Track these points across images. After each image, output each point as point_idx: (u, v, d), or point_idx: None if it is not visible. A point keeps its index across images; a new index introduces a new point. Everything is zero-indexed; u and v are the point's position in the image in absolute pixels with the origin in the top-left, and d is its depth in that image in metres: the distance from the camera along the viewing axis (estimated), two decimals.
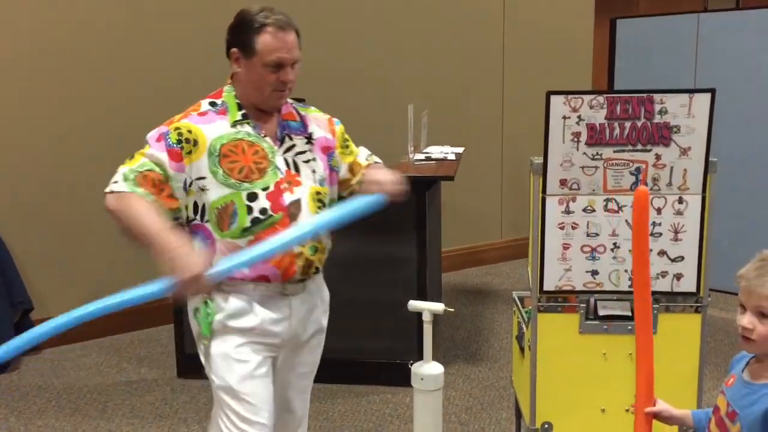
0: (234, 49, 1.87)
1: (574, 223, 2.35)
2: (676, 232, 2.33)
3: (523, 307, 2.55)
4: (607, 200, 2.33)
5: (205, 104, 1.90)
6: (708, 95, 2.24)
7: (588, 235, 2.35)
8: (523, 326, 2.51)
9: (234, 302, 1.87)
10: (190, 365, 3.62)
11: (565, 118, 2.28)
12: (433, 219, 3.80)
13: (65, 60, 4.02)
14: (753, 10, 4.58)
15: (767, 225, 4.27)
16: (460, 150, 4.22)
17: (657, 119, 2.26)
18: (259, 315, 1.88)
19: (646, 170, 2.30)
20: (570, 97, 2.28)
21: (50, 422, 3.21)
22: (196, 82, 4.43)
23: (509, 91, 5.48)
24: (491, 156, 5.55)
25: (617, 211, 2.33)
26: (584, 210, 2.35)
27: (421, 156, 3.97)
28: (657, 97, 2.25)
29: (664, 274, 2.36)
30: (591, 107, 2.27)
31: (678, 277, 2.37)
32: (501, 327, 4.27)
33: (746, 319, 1.46)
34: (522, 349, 2.54)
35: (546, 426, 2.40)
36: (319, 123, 2.06)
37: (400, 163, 3.81)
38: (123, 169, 1.82)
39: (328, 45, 4.67)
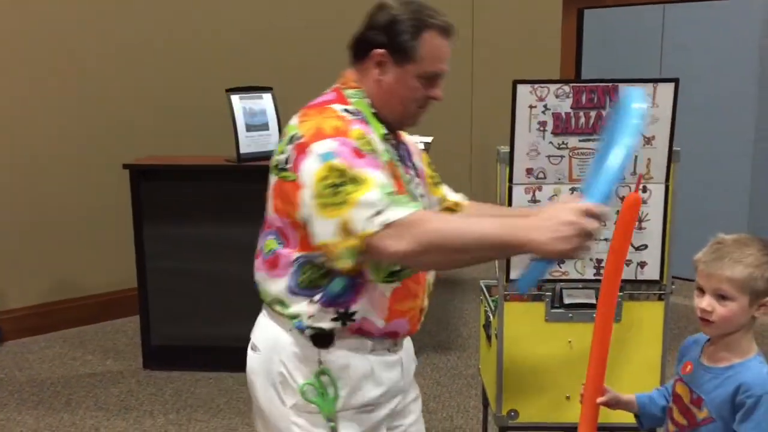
0: (381, 50, 1.51)
1: None
2: (640, 221, 2.35)
3: (491, 296, 2.56)
4: (573, 189, 2.34)
5: (340, 109, 1.49)
6: (672, 85, 2.26)
7: None
8: (490, 315, 2.52)
9: (356, 369, 1.52)
10: (156, 357, 3.59)
11: (531, 107, 2.29)
12: None
13: (22, 56, 3.92)
14: (717, 1, 4.64)
15: (730, 213, 4.35)
16: (429, 139, 4.22)
17: None
18: (384, 381, 1.56)
19: None
20: (536, 86, 2.29)
21: (12, 416, 3.15)
22: (151, 82, 4.38)
23: (478, 80, 5.49)
24: (460, 145, 5.56)
25: None
26: (550, 199, 2.36)
27: None
28: (622, 86, 2.27)
29: (628, 262, 2.38)
30: (557, 96, 2.28)
31: (642, 265, 2.39)
32: (470, 316, 4.30)
33: (705, 302, 1.48)
34: (489, 338, 2.56)
35: (512, 413, 2.42)
36: (416, 150, 1.75)
37: None
38: (370, 197, 1.34)
39: (295, 33, 4.63)
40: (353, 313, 1.49)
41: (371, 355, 1.54)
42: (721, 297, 1.47)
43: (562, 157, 2.32)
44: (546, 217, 1.28)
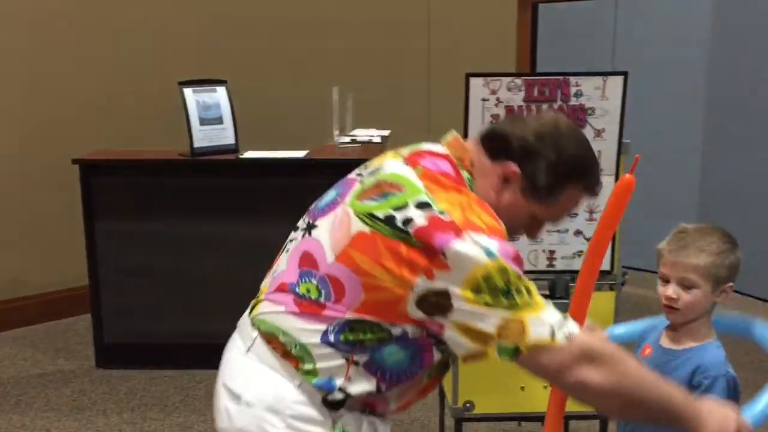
0: (517, 170, 1.33)
1: None
2: (591, 212, 2.39)
3: None
4: None
5: (465, 200, 1.30)
6: (621, 78, 2.29)
7: None
8: None
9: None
10: (109, 355, 3.53)
11: (484, 100, 2.30)
12: None
13: None
14: None
15: (680, 205, 4.45)
16: (387, 133, 4.22)
17: (573, 101, 2.30)
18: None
19: None
20: (489, 79, 2.30)
21: None
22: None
23: (435, 74, 5.50)
24: (418, 139, 5.54)
25: None
26: None
27: (346, 139, 3.95)
28: (572, 79, 2.29)
29: (580, 253, 2.42)
30: (509, 89, 2.30)
31: None
32: None
33: (671, 290, 1.52)
34: None
35: (468, 404, 2.43)
36: None
37: (325, 146, 3.78)
38: (550, 312, 1.25)
39: (251, 25, 4.58)
40: (387, 394, 1.35)
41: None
42: (686, 285, 1.51)
43: None
44: (716, 415, 1.29)
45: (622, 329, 1.78)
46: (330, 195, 1.42)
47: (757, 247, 4.07)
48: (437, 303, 1.24)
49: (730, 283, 1.52)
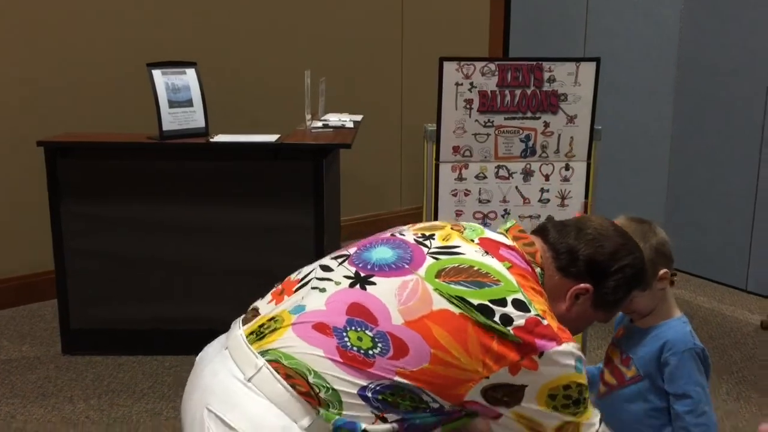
0: (589, 287, 1.39)
1: (466, 189, 2.38)
2: (563, 198, 2.41)
3: None
4: (499, 167, 2.37)
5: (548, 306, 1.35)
6: (593, 64, 2.31)
7: (480, 202, 2.39)
8: None
9: None
10: (76, 341, 3.47)
11: (457, 84, 2.30)
12: (331, 187, 3.77)
13: None
14: None
15: (649, 192, 4.50)
16: (359, 118, 4.19)
17: (546, 87, 2.31)
18: None
19: (536, 137, 2.36)
20: (462, 63, 2.29)
21: None
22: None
23: (408, 59, 5.48)
24: (390, 124, 5.55)
25: (508, 178, 2.38)
26: (476, 177, 2.38)
27: (319, 124, 3.91)
28: (546, 65, 2.30)
29: None
30: (483, 74, 2.29)
31: None
32: None
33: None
34: None
35: None
36: None
37: (297, 131, 3.75)
38: (594, 420, 1.33)
39: (222, 7, 4.51)
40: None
41: None
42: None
43: (488, 135, 2.34)
44: None
45: None
46: (385, 253, 1.36)
47: (724, 234, 4.14)
48: (505, 397, 1.26)
49: (663, 270, 1.52)
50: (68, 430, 2.86)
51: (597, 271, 1.37)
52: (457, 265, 1.32)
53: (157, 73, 3.35)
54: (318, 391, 1.23)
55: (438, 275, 1.30)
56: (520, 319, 1.25)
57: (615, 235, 1.40)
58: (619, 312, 1.53)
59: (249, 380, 1.25)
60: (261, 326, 1.32)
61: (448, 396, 1.25)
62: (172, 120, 3.37)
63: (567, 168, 2.37)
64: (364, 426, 1.24)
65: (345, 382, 1.23)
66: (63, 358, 3.44)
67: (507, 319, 1.24)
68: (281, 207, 3.40)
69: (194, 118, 3.44)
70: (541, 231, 1.45)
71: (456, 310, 1.25)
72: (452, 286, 1.28)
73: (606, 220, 1.47)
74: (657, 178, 4.52)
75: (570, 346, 1.27)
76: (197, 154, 3.41)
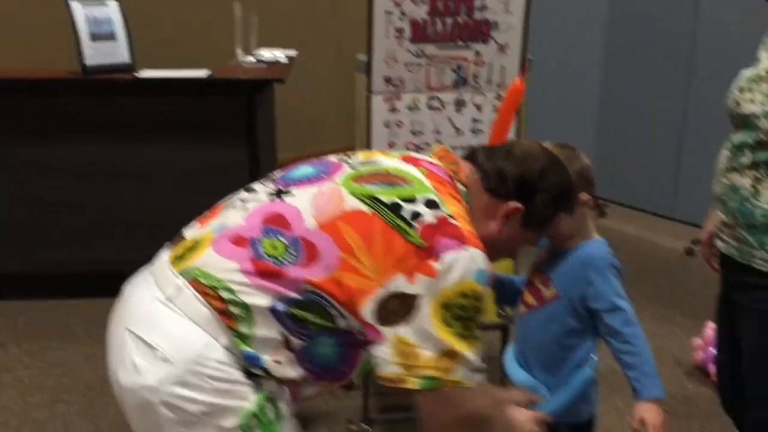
0: (519, 206, 1.38)
1: (399, 121, 2.36)
2: None
3: None
4: (431, 98, 2.36)
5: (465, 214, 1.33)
6: None
7: (413, 133, 2.38)
8: None
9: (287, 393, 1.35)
10: (4, 287, 3.38)
11: (388, 13, 2.25)
12: (266, 124, 3.70)
13: None
14: None
15: (581, 120, 4.57)
16: (293, 53, 4.09)
17: (477, 15, 2.28)
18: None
19: (468, 67, 2.34)
20: None
21: None
22: None
23: None
24: (325, 58, 5.44)
25: (440, 109, 2.37)
26: (409, 108, 2.36)
27: (252, 59, 3.81)
28: None
29: None
30: (413, 2, 2.25)
31: None
32: None
33: None
34: None
35: None
36: None
37: (228, 66, 3.64)
38: (475, 359, 1.27)
39: None
40: (309, 384, 1.33)
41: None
42: None
43: (420, 65, 2.31)
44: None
45: None
46: (306, 170, 1.37)
47: (652, 163, 4.26)
48: (398, 307, 1.22)
49: (584, 194, 1.55)
50: (2, 375, 2.81)
51: (526, 189, 1.37)
52: (374, 169, 1.34)
53: (75, 5, 3.18)
54: (231, 306, 1.23)
55: (354, 179, 1.31)
56: (428, 216, 1.24)
57: (543, 155, 1.42)
58: (545, 236, 1.54)
59: (169, 300, 1.26)
60: (184, 249, 1.32)
61: (353, 311, 1.24)
62: (94, 54, 3.22)
63: (498, 98, 2.36)
64: (265, 362, 1.25)
65: (257, 296, 1.23)
66: None
67: (415, 215, 1.24)
68: (214, 145, 3.32)
69: (118, 51, 3.29)
70: (470, 155, 1.45)
71: (367, 210, 1.25)
72: (365, 186, 1.28)
73: (535, 143, 1.48)
74: (587, 108, 4.59)
75: (474, 252, 1.24)
76: (123, 90, 3.29)
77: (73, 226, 3.35)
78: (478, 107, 2.38)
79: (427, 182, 1.31)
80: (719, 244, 1.80)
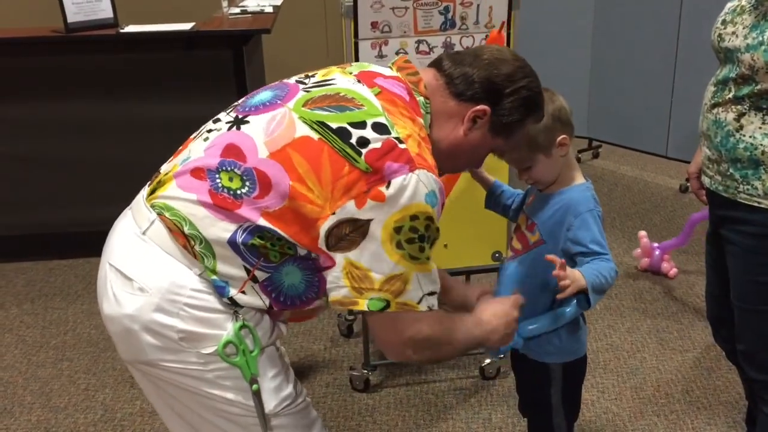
0: (487, 109, 1.34)
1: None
2: None
3: None
4: (419, 42, 2.32)
5: (418, 132, 1.31)
6: None
7: None
8: None
9: (267, 319, 1.37)
10: (2, 248, 3.39)
11: None
12: (254, 76, 3.65)
13: None
14: None
15: (573, 60, 4.52)
16: (279, 2, 4.02)
17: None
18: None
19: (455, 9, 2.30)
20: None
21: None
22: None
23: None
24: (312, 5, 5.35)
25: (428, 53, 2.34)
26: (397, 53, 2.33)
27: (236, 9, 3.74)
28: None
29: None
30: None
31: None
32: None
33: (524, 176, 1.58)
34: None
35: None
36: None
37: (214, 18, 3.58)
38: (433, 275, 1.30)
39: None
40: (278, 312, 1.36)
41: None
42: (525, 168, 1.55)
43: (406, 8, 2.28)
44: (498, 315, 1.43)
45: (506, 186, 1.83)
46: (264, 95, 1.36)
47: (645, 102, 4.23)
48: (350, 233, 1.22)
49: (562, 136, 1.52)
50: (4, 335, 2.84)
51: (493, 92, 1.34)
52: (325, 92, 1.31)
53: None
54: (193, 243, 1.26)
55: (305, 104, 1.29)
56: (376, 142, 1.23)
57: (512, 59, 1.38)
58: (517, 143, 1.45)
59: (144, 233, 1.30)
60: (156, 182, 1.35)
61: (309, 240, 1.25)
62: (76, 11, 3.17)
63: (487, 39, 2.34)
64: (232, 293, 1.27)
65: (215, 228, 1.25)
66: None
67: (363, 142, 1.23)
68: (201, 100, 3.25)
69: (101, 7, 3.24)
70: (435, 62, 1.41)
71: (315, 136, 1.24)
72: (315, 111, 1.27)
73: (506, 48, 1.45)
74: (579, 47, 4.53)
75: (423, 174, 1.23)
76: (107, 46, 3.24)
77: (63, 186, 3.34)
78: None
79: (378, 104, 1.28)
80: (705, 180, 1.80)
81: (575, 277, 1.41)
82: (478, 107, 1.34)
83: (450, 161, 1.37)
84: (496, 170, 1.93)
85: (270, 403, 1.34)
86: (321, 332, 2.82)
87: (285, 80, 1.42)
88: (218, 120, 1.38)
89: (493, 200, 1.80)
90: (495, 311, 1.45)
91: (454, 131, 1.36)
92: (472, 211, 2.25)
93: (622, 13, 4.28)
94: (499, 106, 1.35)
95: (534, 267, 1.58)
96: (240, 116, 1.34)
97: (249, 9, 3.77)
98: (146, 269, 1.28)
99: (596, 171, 4.27)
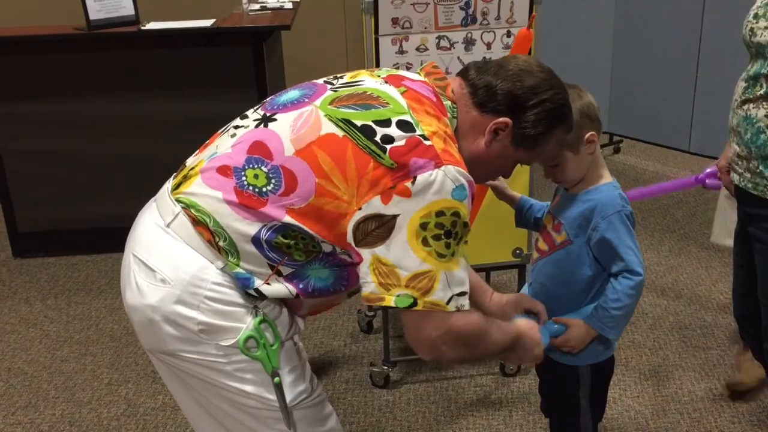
0: (508, 121, 1.33)
1: (408, 63, 2.32)
2: None
3: None
4: (440, 38, 2.32)
5: (444, 129, 1.31)
6: None
7: None
8: None
9: (285, 313, 1.40)
10: (25, 244, 3.44)
11: None
12: (274, 72, 3.66)
13: None
14: None
15: (595, 54, 4.49)
16: None
17: None
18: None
19: (476, 4, 2.29)
20: None
21: None
22: None
23: None
24: (332, 2, 5.35)
25: (449, 49, 2.33)
26: (417, 49, 2.32)
27: (256, 6, 3.75)
28: None
29: None
30: None
31: None
32: None
33: (549, 175, 1.56)
34: None
35: None
36: None
37: (233, 14, 3.59)
38: (462, 274, 1.28)
39: None
40: (298, 304, 1.39)
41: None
42: (553, 165, 1.53)
43: (427, 4, 2.27)
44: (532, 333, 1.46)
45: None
46: (292, 93, 1.37)
47: (668, 97, 4.18)
48: (375, 229, 1.22)
49: (589, 133, 1.49)
50: (28, 329, 2.88)
51: (515, 104, 1.33)
52: (352, 92, 1.32)
53: None
54: (218, 239, 1.28)
55: (332, 102, 1.30)
56: (401, 139, 1.23)
57: (538, 71, 1.36)
58: (543, 154, 1.43)
59: (168, 226, 1.32)
60: (182, 176, 1.36)
61: (335, 237, 1.26)
62: (99, 9, 3.19)
63: (509, 35, 2.32)
64: (257, 284, 1.29)
65: (240, 226, 1.26)
66: (14, 261, 3.41)
67: (388, 139, 1.23)
68: (222, 96, 3.29)
69: (123, 5, 3.26)
70: (462, 71, 1.41)
71: (340, 133, 1.25)
72: (340, 109, 1.28)
73: (533, 59, 1.42)
74: (601, 41, 4.49)
75: (450, 170, 1.22)
76: (128, 43, 3.26)
77: (86, 182, 3.38)
78: (488, 45, 2.34)
79: (403, 102, 1.29)
80: (734, 176, 1.78)
81: (580, 336, 1.49)
82: (500, 120, 1.33)
83: (473, 171, 1.34)
84: (516, 175, 1.92)
85: (286, 397, 1.36)
86: (341, 328, 2.83)
87: (314, 80, 1.42)
88: (246, 117, 1.40)
89: (523, 216, 1.77)
90: (533, 329, 1.47)
91: (476, 142, 1.35)
92: (492, 207, 2.25)
93: (644, 5, 4.24)
94: (521, 118, 1.33)
95: (561, 267, 1.56)
96: (268, 114, 1.35)
97: (269, 5, 3.78)
98: (169, 261, 1.30)
99: (617, 166, 4.23)
